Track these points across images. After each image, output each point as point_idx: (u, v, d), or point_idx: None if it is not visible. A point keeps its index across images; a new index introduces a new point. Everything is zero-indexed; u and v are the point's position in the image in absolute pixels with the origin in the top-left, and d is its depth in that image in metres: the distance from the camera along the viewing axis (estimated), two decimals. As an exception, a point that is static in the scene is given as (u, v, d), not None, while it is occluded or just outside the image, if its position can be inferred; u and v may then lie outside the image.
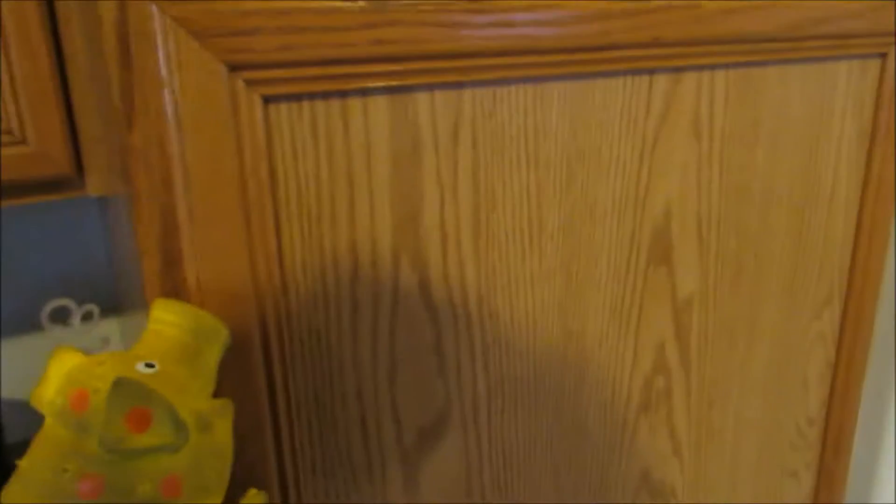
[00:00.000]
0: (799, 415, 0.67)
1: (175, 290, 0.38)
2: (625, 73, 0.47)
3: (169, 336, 0.34)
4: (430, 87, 0.41)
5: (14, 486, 0.31)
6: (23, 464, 0.32)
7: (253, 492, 0.35)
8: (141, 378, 0.31)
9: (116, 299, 0.85)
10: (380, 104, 0.40)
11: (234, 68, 0.36)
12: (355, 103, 0.40)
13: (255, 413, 0.40)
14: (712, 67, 0.50)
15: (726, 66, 0.51)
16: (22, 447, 0.87)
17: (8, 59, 0.52)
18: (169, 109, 0.35)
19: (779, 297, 0.61)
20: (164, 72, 0.35)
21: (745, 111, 0.53)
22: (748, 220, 0.57)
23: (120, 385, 0.30)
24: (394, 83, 0.39)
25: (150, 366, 0.32)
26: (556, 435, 0.53)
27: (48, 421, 0.32)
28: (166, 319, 0.35)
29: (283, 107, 0.38)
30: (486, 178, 0.44)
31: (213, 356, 0.35)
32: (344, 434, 0.44)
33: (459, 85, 0.42)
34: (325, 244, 0.40)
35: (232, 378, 0.39)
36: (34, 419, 0.91)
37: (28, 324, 0.83)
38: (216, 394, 0.35)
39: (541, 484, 0.54)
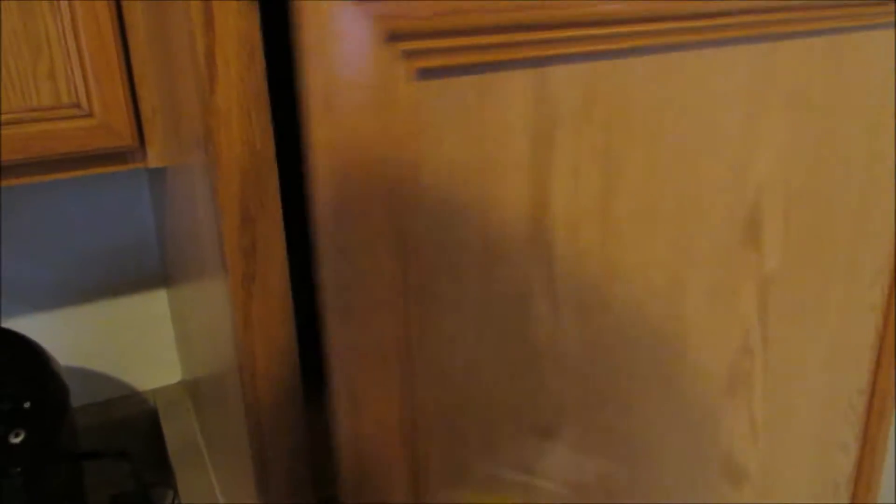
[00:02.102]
0: (852, 387, 0.67)
1: (253, 244, 0.39)
2: (735, 41, 0.46)
3: None
4: (566, 60, 0.40)
5: None
6: None
7: None
8: None
9: (165, 272, 0.87)
10: (519, 78, 0.39)
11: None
12: (496, 79, 0.38)
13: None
14: (807, 35, 0.49)
15: (819, 32, 0.50)
16: (85, 410, 0.90)
17: (76, 32, 0.54)
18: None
19: (845, 271, 0.61)
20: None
21: (832, 80, 0.53)
22: (827, 194, 0.57)
23: None
24: (534, 54, 0.38)
25: None
26: (652, 422, 0.53)
27: None
28: None
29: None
30: (614, 156, 0.43)
31: None
32: (464, 441, 0.43)
33: (590, 57, 0.41)
34: (459, 234, 0.39)
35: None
36: (95, 384, 0.94)
37: (80, 294, 0.86)
38: None
39: (640, 472, 0.54)
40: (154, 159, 0.63)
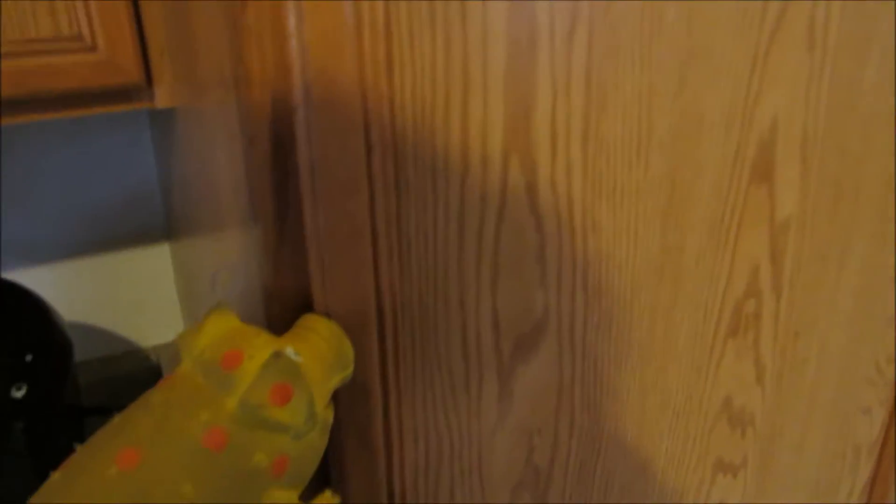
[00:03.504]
0: (879, 351, 0.66)
1: (286, 176, 0.36)
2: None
3: (313, 343, 0.36)
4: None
5: (145, 418, 0.31)
6: (155, 399, 0.32)
7: (328, 493, 0.36)
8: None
9: (168, 225, 0.84)
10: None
11: (355, -59, 0.33)
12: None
13: (363, 310, 0.40)
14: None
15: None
16: (87, 366, 0.87)
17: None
18: (287, -16, 0.33)
19: (872, 226, 0.59)
20: (282, -58, 0.32)
21: (860, 23, 0.50)
22: (851, 141, 0.54)
23: (278, 357, 0.32)
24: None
25: (296, 355, 0.34)
26: (645, 354, 0.52)
27: (188, 366, 0.33)
28: (317, 329, 0.36)
29: (403, -12, 0.36)
30: (599, 77, 0.42)
31: (337, 380, 0.37)
32: (444, 340, 0.43)
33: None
34: (437, 139, 0.39)
35: (343, 271, 0.39)
36: (96, 340, 0.92)
37: (80, 247, 0.83)
38: None
39: (628, 403, 0.53)
40: (162, 99, 0.60)
